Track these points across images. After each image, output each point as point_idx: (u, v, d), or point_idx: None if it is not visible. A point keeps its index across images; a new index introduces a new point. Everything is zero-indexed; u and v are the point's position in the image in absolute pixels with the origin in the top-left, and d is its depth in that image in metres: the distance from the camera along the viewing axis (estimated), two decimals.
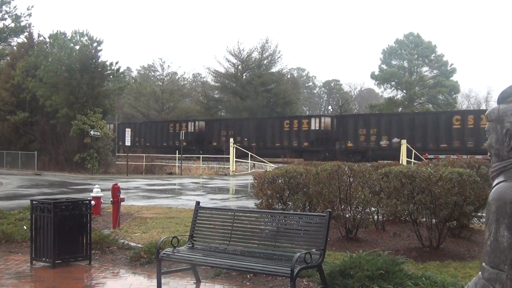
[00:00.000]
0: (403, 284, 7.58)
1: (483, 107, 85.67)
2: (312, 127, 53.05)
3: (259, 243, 8.08)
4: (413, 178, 10.06)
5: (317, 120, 53.94)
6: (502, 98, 3.77)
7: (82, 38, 48.89)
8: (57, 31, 51.05)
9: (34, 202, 10.08)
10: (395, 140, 45.60)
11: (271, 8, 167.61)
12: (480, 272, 3.55)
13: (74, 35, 49.43)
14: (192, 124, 62.07)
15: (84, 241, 10.03)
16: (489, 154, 3.84)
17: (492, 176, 3.75)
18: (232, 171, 41.60)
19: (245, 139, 55.91)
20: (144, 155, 48.65)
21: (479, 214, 11.08)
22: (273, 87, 79.31)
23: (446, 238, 10.69)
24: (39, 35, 55.49)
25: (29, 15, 55.91)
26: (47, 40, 51.85)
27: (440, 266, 9.24)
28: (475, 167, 12.37)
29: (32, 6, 71.27)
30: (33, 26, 60.58)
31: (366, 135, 49.60)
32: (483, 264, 3.51)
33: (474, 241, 11.23)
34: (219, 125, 60.35)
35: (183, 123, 62.40)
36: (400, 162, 30.72)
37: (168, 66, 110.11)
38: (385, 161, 23.22)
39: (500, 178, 3.62)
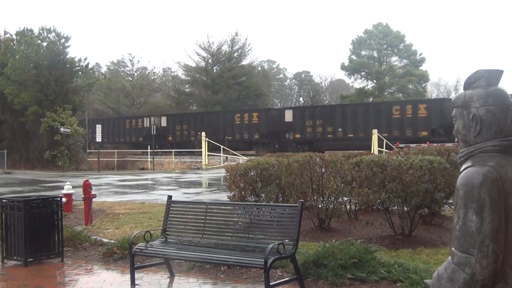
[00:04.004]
0: (376, 272, 7.65)
1: (452, 95, 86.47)
2: (145, 125, 62.36)
3: (232, 236, 8.09)
4: (384, 167, 10.13)
5: (148, 119, 62.19)
6: (468, 84, 3.79)
7: (49, 35, 48.46)
8: (24, 28, 50.51)
9: (3, 200, 9.96)
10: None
11: (240, 1, 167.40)
12: (449, 257, 3.59)
13: (41, 31, 48.97)
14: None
15: (56, 239, 9.95)
16: (456, 139, 3.87)
17: (460, 161, 3.77)
18: (205, 164, 41.53)
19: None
20: (115, 151, 48.35)
21: (450, 201, 11.16)
22: (244, 80, 79.30)
23: (418, 226, 10.79)
24: (5, 32, 55.06)
25: None
26: (14, 37, 51.27)
27: (412, 253, 9.33)
28: (446, 154, 12.50)
29: None
30: None
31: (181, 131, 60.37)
32: (453, 248, 3.54)
33: (446, 228, 11.35)
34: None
35: None
36: (372, 152, 30.90)
37: (138, 61, 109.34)
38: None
39: (468, 163, 3.64)
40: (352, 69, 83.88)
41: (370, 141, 39.32)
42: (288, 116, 52.23)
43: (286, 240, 7.10)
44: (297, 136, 50.85)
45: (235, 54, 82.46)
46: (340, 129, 48.59)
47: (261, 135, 53.22)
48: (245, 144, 53.11)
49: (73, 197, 15.70)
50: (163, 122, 61.71)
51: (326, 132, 49.37)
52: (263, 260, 6.66)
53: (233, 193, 12.49)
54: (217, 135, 54.00)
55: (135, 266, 8.21)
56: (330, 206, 11.34)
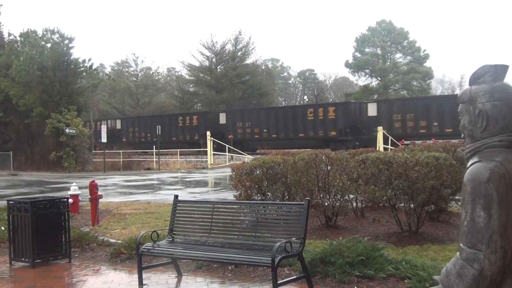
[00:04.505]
0: (383, 269, 7.64)
1: (457, 92, 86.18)
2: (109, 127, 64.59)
3: (239, 234, 8.09)
4: (390, 164, 10.11)
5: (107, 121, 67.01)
6: (474, 79, 3.79)
7: (53, 36, 48.59)
8: (28, 29, 50.78)
9: (10, 202, 9.98)
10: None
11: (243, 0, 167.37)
12: (458, 253, 3.59)
13: (45, 33, 49.07)
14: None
15: (63, 240, 9.97)
16: (462, 135, 3.87)
17: (467, 157, 3.78)
18: (210, 164, 41.53)
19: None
20: (121, 151, 48.39)
21: (456, 197, 11.16)
22: (248, 79, 79.25)
23: (425, 222, 10.77)
24: (9, 34, 54.98)
25: None
26: (18, 39, 51.43)
27: (419, 250, 9.32)
28: (451, 150, 12.48)
29: (1, 5, 70.42)
30: (2, 25, 60.04)
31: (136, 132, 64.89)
32: (461, 244, 3.55)
33: (453, 224, 11.32)
34: None
35: None
36: (377, 149, 30.85)
37: (142, 61, 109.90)
38: None
39: (475, 159, 3.65)
40: (356, 66, 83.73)
41: (290, 141, 49.68)
42: (222, 118, 58.15)
43: (293, 238, 7.10)
44: (230, 136, 55.19)
45: (239, 53, 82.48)
46: (265, 130, 53.46)
47: (200, 135, 55.96)
48: (188, 144, 57.58)
49: (79, 198, 15.73)
50: (118, 125, 66.53)
51: (254, 133, 54.90)
52: (271, 259, 6.66)
53: (239, 192, 12.49)
54: (163, 136, 58.06)
55: (143, 266, 8.23)
56: (337, 203, 11.34)
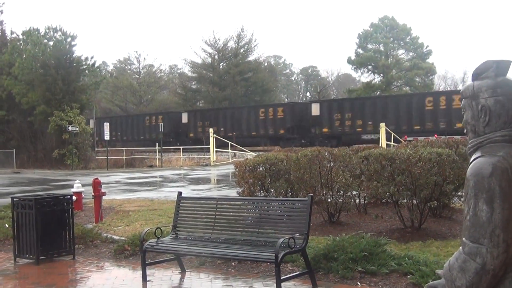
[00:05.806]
0: (386, 265, 7.67)
1: (459, 88, 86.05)
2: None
3: (242, 231, 8.13)
4: (393, 160, 10.12)
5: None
6: (476, 75, 3.81)
7: (55, 34, 48.55)
8: (30, 27, 50.58)
9: (15, 199, 10.03)
10: None
11: None
12: (460, 247, 3.60)
13: (47, 30, 49.05)
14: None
15: (67, 236, 10.01)
16: (465, 130, 3.88)
17: (469, 152, 3.79)
18: (213, 161, 41.52)
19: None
20: (123, 149, 48.43)
21: (459, 193, 11.16)
22: (251, 75, 79.27)
23: (428, 218, 10.79)
24: (12, 32, 55.26)
25: (1, 12, 55.29)
26: (21, 37, 51.46)
27: (422, 245, 9.33)
28: (454, 146, 12.49)
29: (3, 3, 70.42)
30: (5, 23, 60.04)
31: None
32: (463, 239, 3.56)
33: (455, 220, 11.35)
34: None
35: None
36: (380, 145, 30.85)
37: (144, 58, 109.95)
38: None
39: (477, 154, 3.66)
40: (358, 63, 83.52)
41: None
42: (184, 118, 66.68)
43: (296, 235, 7.13)
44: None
45: (241, 50, 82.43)
46: (222, 129, 58.21)
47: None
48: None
49: (83, 195, 15.76)
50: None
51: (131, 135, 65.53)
52: (274, 255, 6.69)
53: (242, 188, 12.52)
54: (130, 135, 66.14)
55: (146, 262, 8.27)
56: (340, 200, 11.35)
